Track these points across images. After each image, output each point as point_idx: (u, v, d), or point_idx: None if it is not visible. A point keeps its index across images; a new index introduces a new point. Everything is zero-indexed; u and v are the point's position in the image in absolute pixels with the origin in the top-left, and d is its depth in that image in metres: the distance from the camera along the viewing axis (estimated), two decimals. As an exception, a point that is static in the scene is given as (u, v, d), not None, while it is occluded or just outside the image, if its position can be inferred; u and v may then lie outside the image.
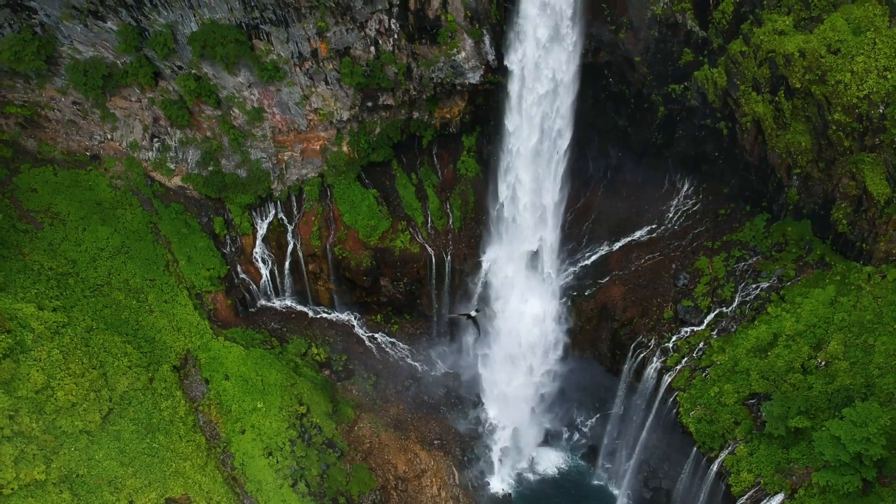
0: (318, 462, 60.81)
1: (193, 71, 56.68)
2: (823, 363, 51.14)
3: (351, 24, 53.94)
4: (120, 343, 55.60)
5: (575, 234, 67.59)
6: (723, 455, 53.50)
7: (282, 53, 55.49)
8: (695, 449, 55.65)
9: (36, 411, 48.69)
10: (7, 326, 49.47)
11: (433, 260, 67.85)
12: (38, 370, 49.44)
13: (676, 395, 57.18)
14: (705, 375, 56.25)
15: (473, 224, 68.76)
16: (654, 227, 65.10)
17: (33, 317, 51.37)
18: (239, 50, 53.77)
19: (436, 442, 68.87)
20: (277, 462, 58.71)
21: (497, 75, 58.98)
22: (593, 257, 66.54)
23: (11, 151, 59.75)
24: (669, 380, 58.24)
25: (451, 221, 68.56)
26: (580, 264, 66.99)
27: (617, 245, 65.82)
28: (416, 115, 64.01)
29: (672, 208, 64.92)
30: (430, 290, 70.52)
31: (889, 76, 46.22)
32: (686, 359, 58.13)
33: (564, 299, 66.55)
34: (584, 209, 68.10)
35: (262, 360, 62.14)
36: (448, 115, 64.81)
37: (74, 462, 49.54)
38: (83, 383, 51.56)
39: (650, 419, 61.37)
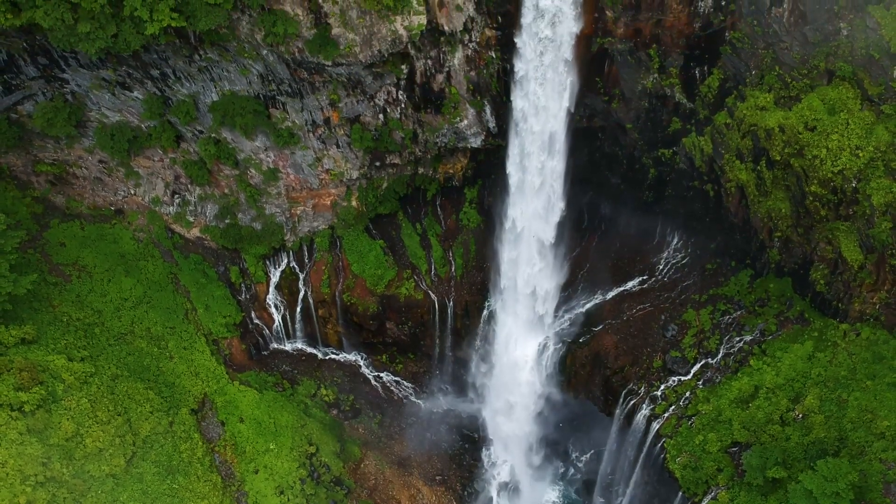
0: (327, 499, 64.33)
1: (213, 135, 60.20)
2: (800, 416, 53.83)
3: (361, 96, 57.35)
4: (142, 389, 59.12)
5: (570, 282, 70.62)
6: (706, 501, 56.16)
7: (296, 121, 59.00)
8: (680, 493, 58.65)
9: (66, 458, 52.19)
10: (40, 378, 53.15)
11: (436, 306, 71.06)
12: (68, 419, 53.02)
13: (664, 442, 60.06)
14: (691, 424, 59.13)
15: (475, 271, 71.98)
16: (645, 278, 67.86)
17: (64, 368, 54.92)
18: (257, 119, 57.38)
19: (437, 478, 72.12)
20: (289, 500, 62.20)
21: (497, 139, 62.46)
22: (588, 305, 69.29)
23: (42, 207, 63.42)
24: (658, 426, 61.12)
25: (453, 269, 71.64)
26: (575, 311, 69.79)
27: (610, 294, 68.59)
28: (421, 170, 67.21)
29: (662, 261, 67.84)
30: (434, 332, 73.57)
31: (861, 154, 49.02)
32: (673, 407, 60.94)
33: (560, 345, 69.42)
34: (580, 259, 70.77)
35: (275, 402, 65.71)
36: (451, 171, 68.05)
37: (101, 504, 53.19)
38: (109, 430, 55.12)
39: (641, 459, 64.53)
